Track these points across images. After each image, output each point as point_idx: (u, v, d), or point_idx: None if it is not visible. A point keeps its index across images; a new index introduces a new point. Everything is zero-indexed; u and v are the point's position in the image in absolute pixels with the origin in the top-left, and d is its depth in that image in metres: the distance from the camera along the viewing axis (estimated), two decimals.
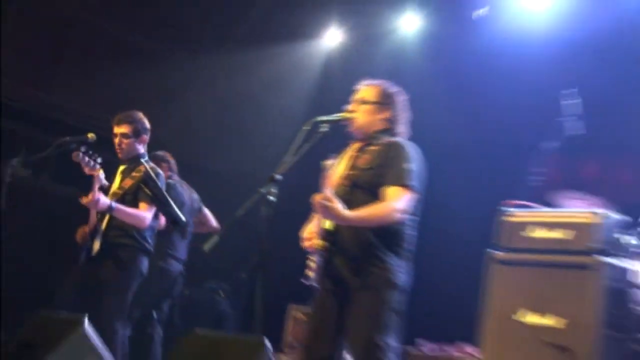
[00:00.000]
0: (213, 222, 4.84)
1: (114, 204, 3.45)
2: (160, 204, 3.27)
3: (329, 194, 2.70)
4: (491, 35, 5.29)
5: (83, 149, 3.42)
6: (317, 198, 2.67)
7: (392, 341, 2.78)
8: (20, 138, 4.93)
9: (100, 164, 3.48)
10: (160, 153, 4.45)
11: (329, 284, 2.88)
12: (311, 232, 2.99)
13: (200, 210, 4.74)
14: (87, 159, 3.42)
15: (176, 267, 4.41)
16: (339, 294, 2.86)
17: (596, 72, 4.71)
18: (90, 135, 3.41)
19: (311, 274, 2.91)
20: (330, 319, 2.87)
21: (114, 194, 3.54)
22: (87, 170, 3.47)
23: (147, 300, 4.10)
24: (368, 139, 2.94)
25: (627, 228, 3.67)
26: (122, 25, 5.77)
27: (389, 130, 2.94)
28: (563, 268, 3.49)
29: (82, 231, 3.64)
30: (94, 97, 5.44)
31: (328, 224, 2.83)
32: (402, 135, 2.98)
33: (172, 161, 4.57)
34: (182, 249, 4.48)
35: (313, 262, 2.91)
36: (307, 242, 3.00)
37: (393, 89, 3.01)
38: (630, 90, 4.86)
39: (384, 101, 2.96)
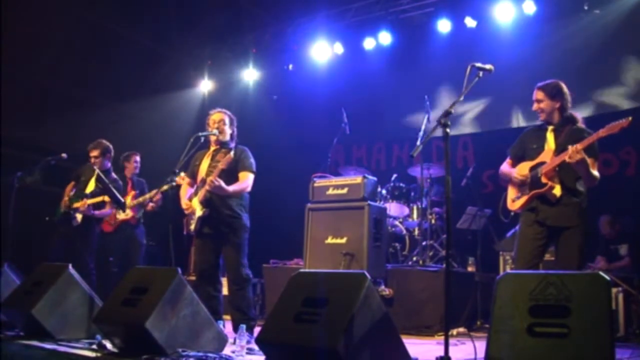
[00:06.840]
0: None
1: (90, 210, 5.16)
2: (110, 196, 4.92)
3: (217, 177, 4.02)
4: (297, 79, 8.73)
5: None
6: (211, 179, 3.97)
7: (246, 259, 4.20)
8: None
9: None
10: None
11: (208, 230, 4.15)
12: (187, 203, 4.24)
13: None
14: None
15: None
16: (214, 235, 4.15)
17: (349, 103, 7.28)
18: (63, 155, 4.94)
19: (192, 227, 4.19)
20: (210, 251, 4.17)
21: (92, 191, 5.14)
22: None
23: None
24: (222, 145, 4.34)
25: (380, 184, 5.75)
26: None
27: (231, 139, 4.37)
28: (347, 209, 5.24)
29: (63, 202, 5.22)
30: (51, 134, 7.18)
31: (203, 196, 4.10)
32: (235, 140, 4.37)
33: None
34: None
35: (193, 220, 4.19)
36: (186, 208, 4.27)
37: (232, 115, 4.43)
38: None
39: (231, 122, 4.40)
